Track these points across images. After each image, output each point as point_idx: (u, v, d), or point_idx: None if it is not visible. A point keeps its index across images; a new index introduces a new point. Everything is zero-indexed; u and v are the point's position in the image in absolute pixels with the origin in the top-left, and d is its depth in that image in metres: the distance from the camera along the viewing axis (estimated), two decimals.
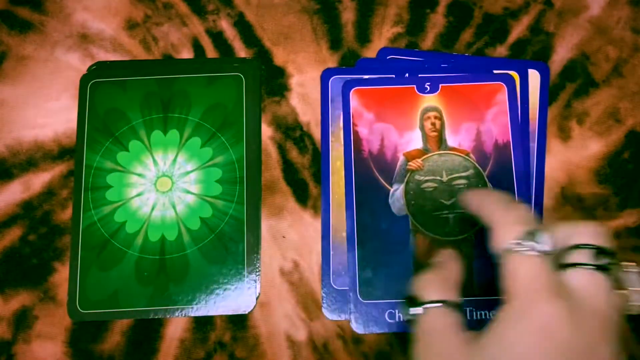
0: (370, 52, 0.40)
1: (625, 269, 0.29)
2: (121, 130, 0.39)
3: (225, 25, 0.41)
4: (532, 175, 0.38)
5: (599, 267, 0.27)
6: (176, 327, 0.37)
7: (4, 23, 0.41)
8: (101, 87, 0.39)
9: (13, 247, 0.38)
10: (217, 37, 0.41)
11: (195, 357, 0.37)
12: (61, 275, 0.38)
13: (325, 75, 0.39)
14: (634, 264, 0.29)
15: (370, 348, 0.36)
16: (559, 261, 0.28)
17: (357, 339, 0.37)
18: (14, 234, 0.38)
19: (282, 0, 0.41)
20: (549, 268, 0.27)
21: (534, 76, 0.39)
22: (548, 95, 0.39)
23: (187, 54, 0.40)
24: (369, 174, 0.38)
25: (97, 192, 0.38)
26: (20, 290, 0.38)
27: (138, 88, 0.39)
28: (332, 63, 0.40)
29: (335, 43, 0.40)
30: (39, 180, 0.39)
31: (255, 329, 0.37)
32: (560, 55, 0.40)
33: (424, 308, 0.29)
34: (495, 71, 0.39)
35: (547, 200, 0.38)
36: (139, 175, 0.38)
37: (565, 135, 0.39)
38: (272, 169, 0.39)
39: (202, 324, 0.37)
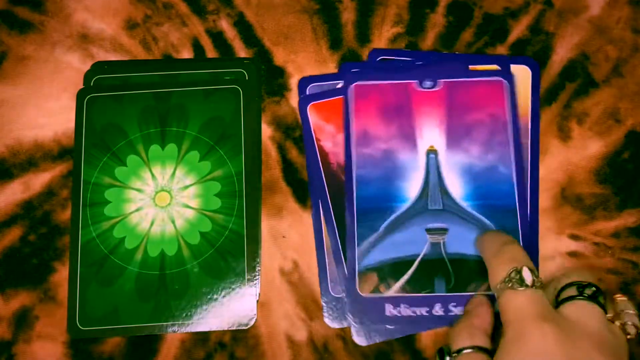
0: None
1: (617, 300, 0.33)
2: (118, 145, 0.38)
3: (225, 25, 0.41)
4: (527, 174, 0.38)
5: (588, 297, 0.31)
6: None
7: (4, 23, 0.41)
8: (98, 102, 0.39)
9: (13, 247, 0.38)
10: (217, 37, 0.41)
11: (195, 358, 0.37)
12: (61, 275, 0.38)
13: (303, 84, 0.39)
14: (624, 297, 0.33)
15: (370, 348, 0.36)
16: (554, 302, 0.32)
17: None
18: (14, 234, 0.38)
19: (282, 0, 0.41)
20: (537, 298, 0.30)
21: (524, 72, 0.39)
22: (539, 91, 0.39)
23: (187, 54, 0.40)
24: (342, 185, 0.38)
25: (96, 207, 0.38)
26: (20, 290, 0.38)
27: (135, 102, 0.39)
28: (332, 63, 0.40)
29: (335, 43, 0.40)
30: (39, 180, 0.39)
31: (255, 329, 0.37)
32: (560, 55, 0.40)
33: (454, 356, 0.32)
34: (477, 68, 0.39)
35: (547, 201, 0.38)
36: (138, 190, 0.38)
37: (565, 135, 0.39)
38: (272, 169, 0.39)
39: None
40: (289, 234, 0.38)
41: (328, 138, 0.38)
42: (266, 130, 0.39)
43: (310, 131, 0.38)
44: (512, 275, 0.31)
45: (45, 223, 0.38)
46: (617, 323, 0.32)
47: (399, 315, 0.36)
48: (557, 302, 0.32)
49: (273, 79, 0.40)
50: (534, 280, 0.31)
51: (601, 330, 0.30)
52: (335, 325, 0.37)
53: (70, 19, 0.41)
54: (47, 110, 0.40)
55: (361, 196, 0.37)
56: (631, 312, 0.32)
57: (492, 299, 0.35)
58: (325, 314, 0.37)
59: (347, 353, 0.37)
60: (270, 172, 0.39)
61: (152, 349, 0.37)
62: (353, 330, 0.36)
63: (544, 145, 0.39)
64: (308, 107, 0.39)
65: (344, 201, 0.38)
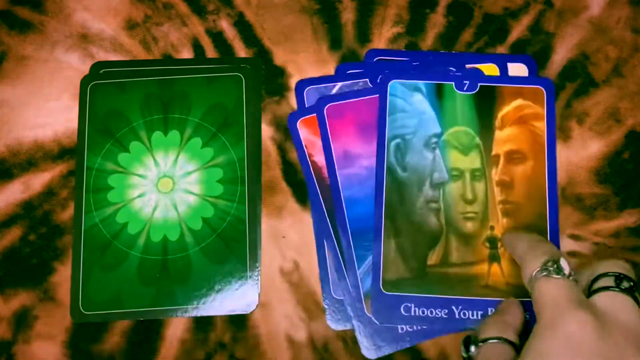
0: None
1: None
2: (122, 132, 0.39)
3: (225, 25, 0.41)
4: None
5: (623, 290, 0.30)
6: (176, 328, 0.37)
7: (4, 23, 0.41)
8: (101, 89, 0.39)
9: (13, 247, 0.38)
10: (217, 37, 0.41)
11: (195, 358, 0.37)
12: (61, 275, 0.38)
13: (300, 86, 0.39)
14: None
15: None
16: (586, 291, 0.31)
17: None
18: (14, 234, 0.38)
19: (282, 0, 0.41)
20: (572, 286, 0.30)
21: (521, 70, 0.39)
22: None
23: (187, 53, 0.40)
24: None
25: (99, 193, 0.38)
26: (20, 290, 0.38)
27: (138, 89, 0.39)
28: (332, 63, 0.40)
29: (335, 43, 0.40)
30: (39, 180, 0.39)
31: (255, 329, 0.37)
32: (560, 55, 0.40)
33: (480, 345, 0.32)
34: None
35: None
36: (140, 176, 0.38)
37: (565, 135, 0.39)
38: (272, 169, 0.39)
39: (203, 324, 0.37)
40: (289, 234, 0.38)
41: (320, 152, 0.38)
42: (266, 130, 0.39)
43: (303, 148, 0.38)
44: (549, 264, 0.31)
45: (45, 223, 0.38)
46: None
47: (414, 315, 0.36)
48: (590, 292, 0.31)
49: (273, 79, 0.40)
50: (571, 271, 0.31)
51: (636, 324, 0.30)
52: (338, 327, 0.37)
53: (70, 19, 0.41)
54: (47, 110, 0.40)
55: (353, 217, 0.37)
56: None
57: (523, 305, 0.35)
58: (328, 316, 0.37)
59: (347, 353, 0.37)
60: (270, 172, 0.39)
61: (152, 349, 0.37)
62: (362, 346, 0.36)
63: None
64: (297, 123, 0.39)
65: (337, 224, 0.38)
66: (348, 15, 0.41)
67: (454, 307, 0.36)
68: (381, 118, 0.38)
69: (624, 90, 0.39)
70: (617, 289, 0.30)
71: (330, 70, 0.40)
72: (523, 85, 0.38)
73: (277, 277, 0.38)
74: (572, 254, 0.37)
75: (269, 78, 0.40)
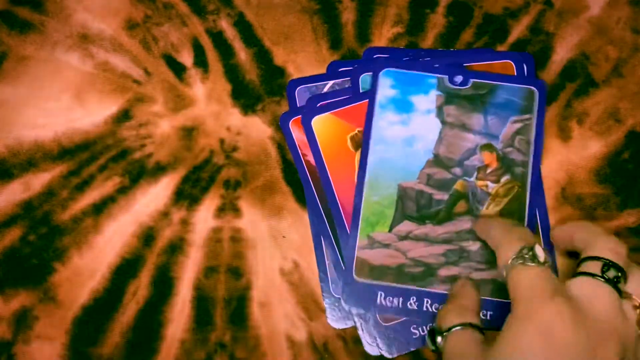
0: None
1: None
2: None
3: (225, 25, 0.41)
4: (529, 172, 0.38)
5: (607, 280, 0.30)
6: (176, 328, 0.37)
7: (4, 23, 0.41)
8: None
9: (13, 247, 0.38)
10: (217, 37, 0.41)
11: (195, 358, 0.37)
12: (61, 275, 0.38)
13: (291, 86, 0.39)
14: None
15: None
16: (572, 270, 0.31)
17: (358, 339, 0.37)
18: (14, 234, 0.38)
19: (282, 0, 0.41)
20: (548, 275, 0.30)
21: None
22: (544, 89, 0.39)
23: (186, 53, 0.40)
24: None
25: None
26: (20, 291, 0.38)
27: None
28: None
29: (335, 43, 0.40)
30: (39, 181, 0.39)
31: (255, 329, 0.37)
32: (560, 55, 0.40)
33: (445, 335, 0.32)
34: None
35: (548, 201, 0.38)
36: None
37: (565, 135, 0.39)
38: (272, 169, 0.39)
39: (203, 324, 0.37)
40: (289, 234, 0.38)
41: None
42: (266, 131, 0.39)
43: (296, 149, 0.38)
44: (524, 252, 0.30)
45: (45, 223, 0.38)
46: (631, 304, 0.30)
47: (389, 305, 0.36)
48: (575, 273, 0.31)
49: (273, 79, 0.40)
50: (546, 257, 0.30)
51: (613, 316, 0.29)
52: (339, 325, 0.37)
53: (70, 19, 0.41)
54: (47, 111, 0.40)
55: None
56: None
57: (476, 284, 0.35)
58: (329, 315, 0.37)
59: (348, 353, 0.37)
60: (270, 172, 0.39)
61: (152, 349, 0.37)
62: (365, 342, 0.36)
63: (545, 145, 0.39)
64: (290, 124, 0.38)
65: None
66: (348, 15, 0.41)
67: (424, 299, 0.36)
68: (298, 162, 0.38)
69: (624, 90, 0.39)
70: (601, 278, 0.30)
71: None
72: (515, 85, 0.38)
73: (277, 277, 0.38)
74: (572, 254, 0.37)
75: (268, 78, 0.40)
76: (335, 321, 0.37)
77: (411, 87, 0.38)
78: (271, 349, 0.37)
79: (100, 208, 0.39)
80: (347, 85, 0.39)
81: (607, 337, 0.28)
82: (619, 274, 0.30)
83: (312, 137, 0.38)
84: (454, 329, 0.32)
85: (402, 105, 0.38)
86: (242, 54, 0.40)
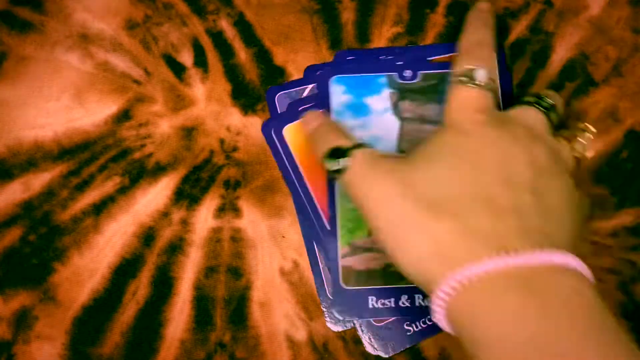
0: None
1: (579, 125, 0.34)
2: None
3: (225, 25, 0.41)
4: None
5: (539, 106, 0.32)
6: (176, 328, 0.37)
7: (4, 23, 0.41)
8: None
9: (13, 247, 0.38)
10: (217, 37, 0.41)
11: (195, 358, 0.37)
12: (61, 275, 0.38)
13: (270, 93, 0.39)
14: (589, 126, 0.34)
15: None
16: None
17: (358, 339, 0.37)
18: (14, 234, 0.38)
19: (282, 0, 0.41)
20: (485, 96, 0.31)
21: None
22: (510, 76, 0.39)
23: (187, 53, 0.40)
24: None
25: None
26: (20, 290, 0.38)
27: None
28: None
29: (335, 43, 0.40)
30: (38, 181, 0.39)
31: (255, 329, 0.37)
32: (560, 55, 0.40)
33: (352, 153, 0.31)
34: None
35: None
36: None
37: None
38: (272, 169, 0.39)
39: (203, 324, 0.37)
40: (289, 234, 0.38)
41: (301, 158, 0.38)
42: None
43: (280, 154, 0.38)
44: (467, 72, 0.32)
45: (45, 223, 0.38)
46: (566, 142, 0.33)
47: (382, 307, 0.36)
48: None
49: (273, 79, 0.40)
50: (487, 81, 0.31)
51: (539, 127, 0.31)
52: (338, 328, 0.37)
53: (70, 19, 0.41)
54: (47, 111, 0.40)
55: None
56: (587, 133, 0.34)
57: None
58: (327, 318, 0.37)
59: (347, 353, 0.37)
60: (270, 172, 0.39)
61: (152, 349, 0.37)
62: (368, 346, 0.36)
63: None
64: (272, 131, 0.39)
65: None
66: (348, 15, 0.41)
67: (416, 296, 0.36)
68: (287, 175, 0.38)
69: (624, 90, 0.39)
70: (535, 105, 0.32)
71: None
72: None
73: (277, 277, 0.38)
74: None
75: (268, 78, 0.40)
76: (334, 324, 0.37)
77: (363, 90, 0.38)
78: (271, 348, 0.37)
79: (100, 208, 0.39)
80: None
81: (531, 137, 0.30)
82: (551, 105, 0.32)
83: (285, 145, 0.38)
84: (353, 150, 0.32)
85: (358, 109, 0.38)
86: (242, 54, 0.40)
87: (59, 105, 0.40)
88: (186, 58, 0.40)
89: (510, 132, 0.30)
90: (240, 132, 0.39)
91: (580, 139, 0.33)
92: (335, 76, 0.38)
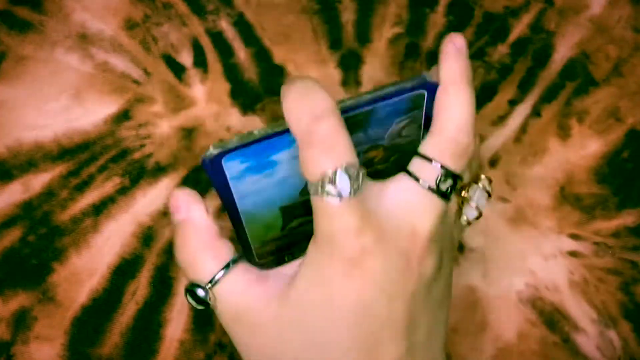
0: (371, 52, 0.40)
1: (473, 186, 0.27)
2: None
3: (225, 25, 0.41)
4: None
5: (438, 191, 0.25)
6: (176, 328, 0.37)
7: (3, 23, 0.41)
8: None
9: (13, 247, 0.38)
10: (217, 37, 0.41)
11: (195, 359, 0.37)
12: (60, 275, 0.38)
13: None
14: (484, 179, 0.27)
15: None
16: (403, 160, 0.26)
17: None
18: (14, 234, 0.38)
19: (282, 0, 0.41)
20: (353, 214, 0.23)
21: None
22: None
23: (186, 54, 0.40)
24: None
25: None
26: (19, 291, 0.38)
27: None
28: (332, 62, 0.40)
29: (335, 43, 0.40)
30: (38, 181, 0.39)
31: None
32: (561, 54, 0.40)
33: (210, 289, 0.26)
34: None
35: (547, 200, 0.38)
36: None
37: (564, 133, 0.39)
38: None
39: (202, 325, 0.37)
40: None
41: None
42: None
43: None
44: (324, 179, 0.23)
45: (44, 224, 0.38)
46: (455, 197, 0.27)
47: None
48: (405, 169, 0.26)
49: (272, 78, 0.40)
50: (351, 189, 0.23)
51: (434, 233, 0.25)
52: None
53: (69, 19, 0.41)
54: (47, 111, 0.40)
55: None
56: (482, 199, 0.27)
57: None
58: None
59: None
60: None
61: (152, 349, 0.37)
62: None
63: (544, 144, 0.39)
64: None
65: None
66: (348, 15, 0.41)
67: None
68: (226, 200, 0.28)
69: (625, 89, 0.40)
70: (429, 189, 0.25)
71: (330, 70, 0.40)
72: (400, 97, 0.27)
73: None
74: (572, 254, 0.38)
75: (268, 77, 0.40)
76: None
77: (268, 151, 0.27)
78: None
79: (99, 208, 0.39)
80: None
81: (425, 256, 0.24)
82: (453, 182, 0.25)
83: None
84: (218, 279, 0.26)
85: (263, 166, 0.28)
86: (242, 54, 0.40)
87: (59, 105, 0.40)
88: (186, 58, 0.40)
89: (400, 254, 0.24)
90: (240, 133, 0.40)
91: (472, 204, 0.27)
92: (227, 155, 0.26)
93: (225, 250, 0.27)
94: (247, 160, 0.27)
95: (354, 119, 0.26)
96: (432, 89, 0.26)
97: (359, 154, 0.25)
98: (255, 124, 0.40)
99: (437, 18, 0.41)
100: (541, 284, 0.37)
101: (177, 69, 0.40)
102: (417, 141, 0.28)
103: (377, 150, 0.30)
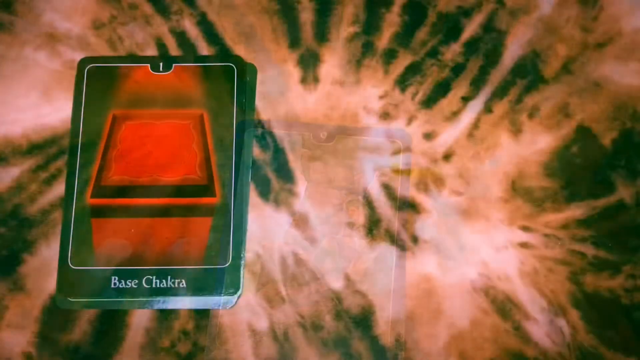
0: (329, 51, 0.41)
1: None
2: None
3: (188, 25, 0.42)
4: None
5: None
6: (142, 317, 0.38)
7: None
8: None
9: None
10: (180, 36, 0.42)
11: (160, 346, 0.37)
12: (29, 266, 0.39)
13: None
14: None
15: (329, 335, 0.37)
16: None
17: (317, 326, 0.37)
18: None
19: (242, 0, 0.42)
20: None
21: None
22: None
23: (151, 52, 0.41)
24: None
25: None
26: None
27: None
28: (291, 61, 0.41)
29: (294, 42, 0.41)
30: (8, 175, 0.40)
31: (217, 318, 0.38)
32: (512, 53, 0.41)
33: None
34: None
35: (499, 193, 0.39)
36: None
37: (516, 129, 0.40)
38: None
39: (167, 313, 0.38)
40: (251, 227, 0.39)
41: None
42: None
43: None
44: None
45: (14, 216, 0.39)
46: None
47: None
48: None
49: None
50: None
51: None
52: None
53: (39, 19, 0.42)
54: (17, 107, 0.41)
55: None
56: None
57: None
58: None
59: (306, 340, 0.38)
60: None
61: (119, 336, 0.37)
62: None
63: (496, 139, 0.40)
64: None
65: None
66: (307, 16, 0.42)
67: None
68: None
69: (573, 87, 0.40)
70: None
71: (290, 69, 0.41)
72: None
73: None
74: (523, 245, 0.38)
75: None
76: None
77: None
78: (233, 337, 0.38)
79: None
80: None
81: None
82: None
83: None
84: None
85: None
86: (205, 52, 0.41)
87: (28, 102, 0.41)
88: None
89: None
90: None
91: None
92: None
93: None
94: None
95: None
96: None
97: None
98: None
99: (393, 18, 0.41)
100: (493, 274, 0.38)
101: None
102: None
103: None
